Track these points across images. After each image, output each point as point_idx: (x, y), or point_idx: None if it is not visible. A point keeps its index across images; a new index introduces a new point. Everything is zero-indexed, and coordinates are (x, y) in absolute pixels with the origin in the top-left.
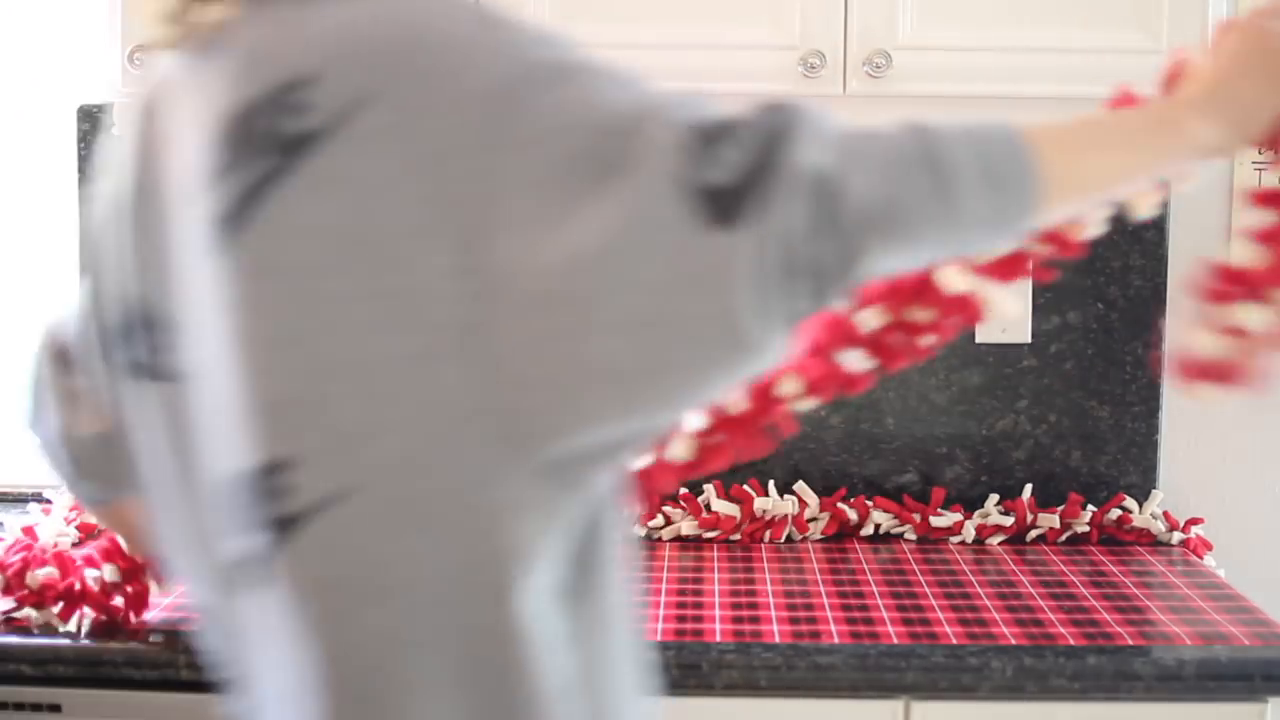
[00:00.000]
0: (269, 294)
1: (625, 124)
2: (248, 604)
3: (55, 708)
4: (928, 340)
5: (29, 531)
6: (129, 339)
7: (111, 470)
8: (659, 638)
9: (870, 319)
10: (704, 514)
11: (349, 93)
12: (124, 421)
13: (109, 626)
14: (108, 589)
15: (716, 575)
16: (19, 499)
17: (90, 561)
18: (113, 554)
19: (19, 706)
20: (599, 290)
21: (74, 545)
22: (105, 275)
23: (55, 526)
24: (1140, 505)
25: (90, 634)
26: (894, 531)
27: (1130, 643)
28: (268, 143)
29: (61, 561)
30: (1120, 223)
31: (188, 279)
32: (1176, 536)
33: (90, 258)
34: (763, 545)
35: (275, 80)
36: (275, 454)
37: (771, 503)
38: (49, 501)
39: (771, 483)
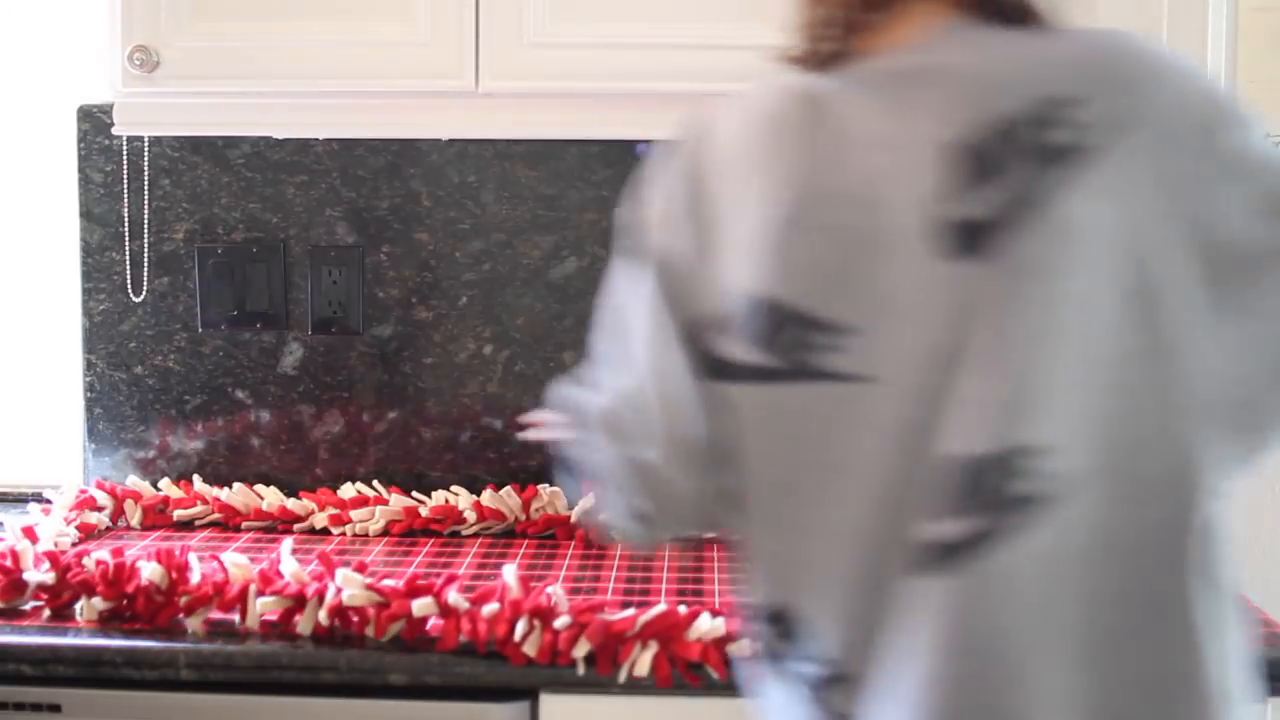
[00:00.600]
0: (1031, 292)
1: None
2: (925, 587)
3: (55, 708)
4: None
5: (29, 532)
6: (745, 344)
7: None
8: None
9: None
10: None
11: (1117, 114)
12: (730, 426)
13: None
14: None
15: (717, 576)
16: (19, 499)
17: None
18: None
19: (19, 706)
20: None
21: (73, 545)
22: (693, 295)
23: (55, 526)
24: None
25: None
26: None
27: None
28: (1031, 154)
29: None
30: None
31: (891, 281)
32: None
33: (667, 278)
34: None
35: (1034, 98)
36: (1023, 440)
37: None
38: (49, 502)
39: None
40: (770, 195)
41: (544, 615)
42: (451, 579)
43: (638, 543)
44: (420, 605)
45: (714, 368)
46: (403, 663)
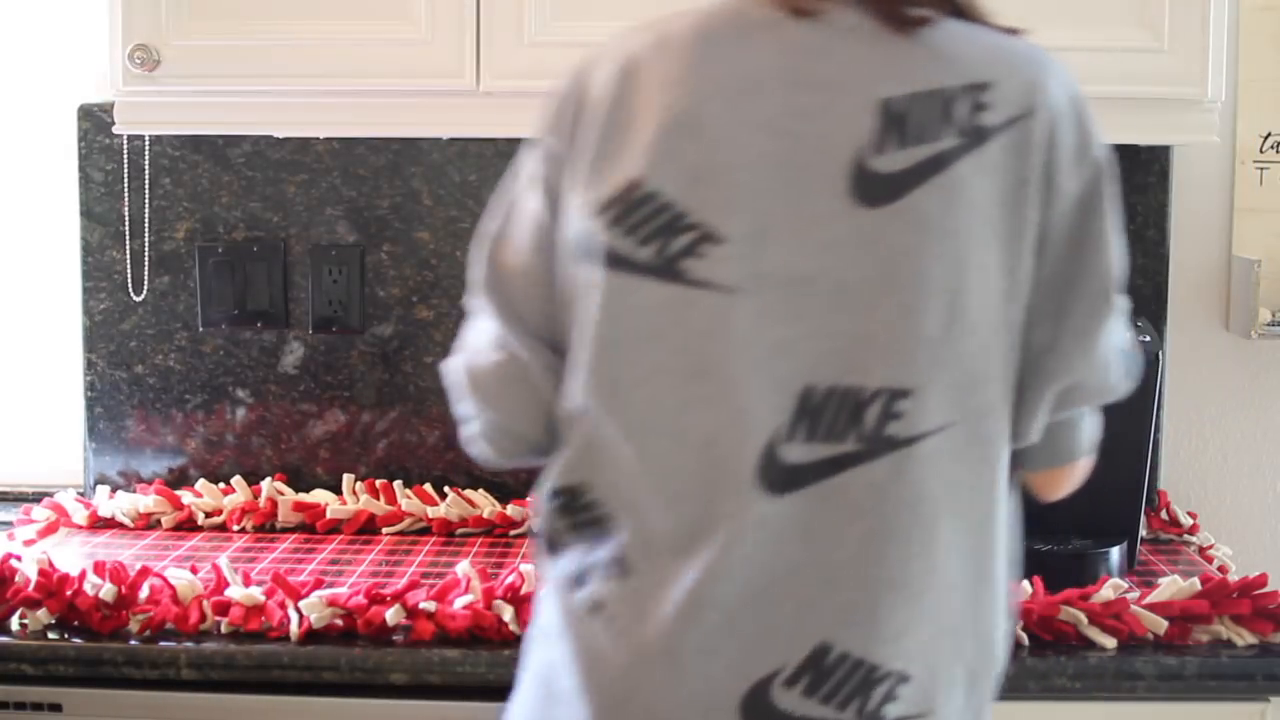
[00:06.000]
0: (928, 246)
1: None
2: (781, 506)
3: (55, 707)
4: None
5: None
6: (622, 232)
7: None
8: None
9: None
10: None
11: (1015, 105)
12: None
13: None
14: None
15: None
16: (19, 499)
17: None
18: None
19: (19, 706)
20: None
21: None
22: (582, 184)
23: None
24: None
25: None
26: None
27: (1131, 642)
28: (951, 125)
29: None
30: (1121, 222)
31: (790, 209)
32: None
33: (556, 168)
34: None
35: (966, 79)
36: (900, 381)
37: None
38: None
39: None
40: (681, 100)
41: None
42: None
43: (495, 460)
44: None
45: (592, 252)
46: (404, 662)
